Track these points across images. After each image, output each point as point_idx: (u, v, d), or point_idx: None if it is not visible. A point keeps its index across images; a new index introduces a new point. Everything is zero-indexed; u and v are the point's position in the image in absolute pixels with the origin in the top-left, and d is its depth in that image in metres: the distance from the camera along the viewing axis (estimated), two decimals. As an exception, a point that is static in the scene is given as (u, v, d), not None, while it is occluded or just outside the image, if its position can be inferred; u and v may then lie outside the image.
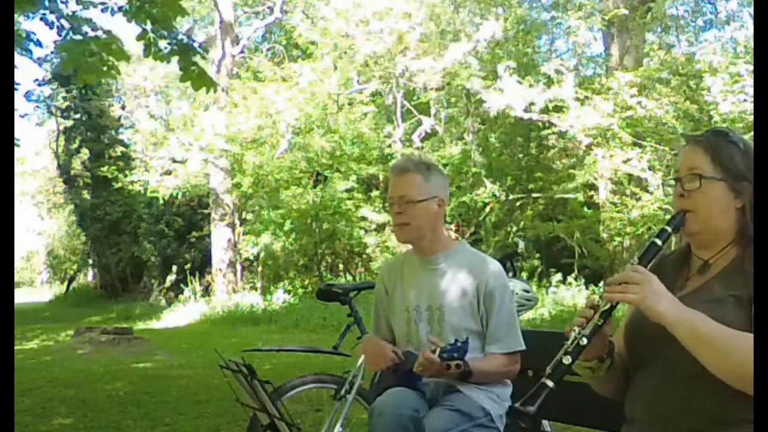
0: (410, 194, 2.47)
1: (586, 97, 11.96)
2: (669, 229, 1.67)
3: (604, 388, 1.79)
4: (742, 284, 1.56)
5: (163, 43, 5.65)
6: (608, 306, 1.57)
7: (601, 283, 12.77)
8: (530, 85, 12.12)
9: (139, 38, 5.59)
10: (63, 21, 5.62)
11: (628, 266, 1.60)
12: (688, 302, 1.55)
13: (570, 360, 1.55)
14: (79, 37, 5.49)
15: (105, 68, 5.45)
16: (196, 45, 6.00)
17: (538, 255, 13.69)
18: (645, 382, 1.65)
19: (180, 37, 5.78)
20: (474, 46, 12.57)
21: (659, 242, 1.65)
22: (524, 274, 12.09)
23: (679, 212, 1.68)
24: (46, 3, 5.63)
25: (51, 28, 5.73)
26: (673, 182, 1.72)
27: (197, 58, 5.82)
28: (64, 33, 5.66)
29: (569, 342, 1.57)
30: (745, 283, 1.55)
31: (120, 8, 5.63)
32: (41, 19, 5.75)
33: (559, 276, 12.83)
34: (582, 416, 2.43)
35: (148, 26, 5.51)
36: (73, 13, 5.67)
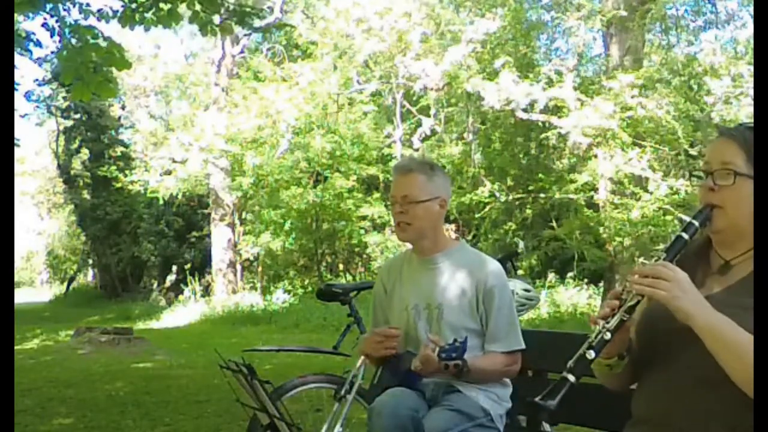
0: (413, 194, 2.48)
1: (585, 102, 11.95)
2: (696, 223, 1.60)
3: (614, 383, 1.75)
4: None
5: (216, 18, 5.78)
6: (635, 300, 1.53)
7: (601, 284, 12.77)
8: (531, 84, 12.12)
9: (192, 20, 5.67)
10: (66, 29, 5.64)
11: (654, 261, 1.56)
12: (714, 305, 1.51)
13: (593, 355, 1.52)
14: (79, 44, 5.51)
15: (104, 81, 5.47)
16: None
17: (536, 255, 13.68)
18: (659, 383, 1.61)
19: (232, 7, 5.91)
20: (473, 48, 12.56)
21: (686, 236, 1.60)
22: (521, 272, 12.07)
23: (706, 206, 1.61)
24: (47, 8, 5.64)
25: (52, 35, 5.74)
26: (700, 173, 1.64)
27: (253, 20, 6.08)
28: (65, 40, 5.66)
29: (593, 336, 1.53)
30: None
31: (114, 12, 5.65)
32: (42, 25, 5.75)
33: (558, 276, 12.84)
34: (582, 416, 2.43)
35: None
36: (75, 21, 5.69)
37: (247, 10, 5.98)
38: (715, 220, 1.60)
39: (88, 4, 5.84)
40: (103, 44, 5.50)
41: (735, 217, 1.59)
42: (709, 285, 1.64)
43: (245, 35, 16.24)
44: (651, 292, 1.50)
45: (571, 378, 1.51)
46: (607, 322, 1.54)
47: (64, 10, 5.81)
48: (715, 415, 1.51)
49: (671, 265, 1.53)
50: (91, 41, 5.51)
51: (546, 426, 2.89)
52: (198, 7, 5.57)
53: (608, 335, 1.52)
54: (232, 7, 5.88)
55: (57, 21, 5.73)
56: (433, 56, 12.95)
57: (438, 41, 13.55)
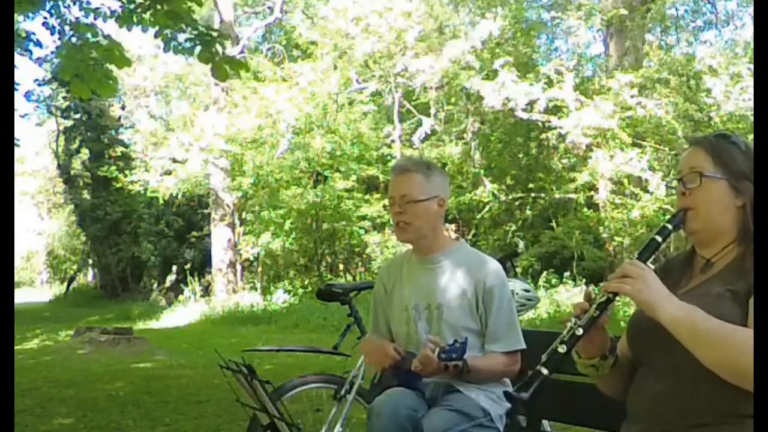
0: (411, 194, 2.47)
1: (584, 103, 11.95)
2: (669, 226, 1.68)
3: (610, 388, 1.80)
4: (740, 280, 1.57)
5: (182, 37, 5.68)
6: (604, 298, 1.58)
7: (601, 283, 12.77)
8: (530, 84, 12.12)
9: (157, 37, 5.62)
10: (65, 26, 5.63)
11: (627, 260, 1.62)
12: (687, 299, 1.56)
13: (565, 349, 1.56)
14: (79, 42, 5.49)
15: (103, 78, 5.44)
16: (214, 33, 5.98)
17: (536, 255, 13.67)
18: (647, 379, 1.66)
19: (200, 28, 5.79)
20: (472, 45, 12.55)
21: (659, 239, 1.67)
22: (519, 270, 12.04)
23: (680, 210, 1.69)
24: (47, 6, 5.63)
25: (53, 33, 5.73)
26: (675, 184, 1.74)
27: (219, 48, 5.86)
28: (65, 38, 5.65)
29: (565, 332, 1.59)
30: (744, 279, 1.56)
31: (113, 12, 5.64)
32: (43, 23, 5.74)
33: (557, 276, 12.83)
34: (582, 416, 2.43)
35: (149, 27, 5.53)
36: (77, 19, 5.68)
37: (214, 35, 5.86)
38: (688, 222, 1.68)
39: (88, 2, 5.83)
40: (104, 42, 5.49)
41: (706, 217, 1.67)
42: (690, 284, 1.70)
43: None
44: (616, 287, 1.56)
45: (545, 371, 1.54)
46: (579, 319, 1.59)
47: (65, 7, 5.81)
48: (705, 407, 1.54)
49: (638, 262, 1.59)
50: (91, 39, 5.49)
51: (546, 425, 2.90)
52: (166, 22, 5.52)
53: (580, 331, 1.58)
54: (199, 29, 5.78)
55: (57, 19, 5.72)
56: (433, 54, 12.95)
57: (437, 39, 13.56)
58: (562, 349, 1.56)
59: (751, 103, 10.73)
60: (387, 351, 2.48)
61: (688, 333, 1.49)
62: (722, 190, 1.65)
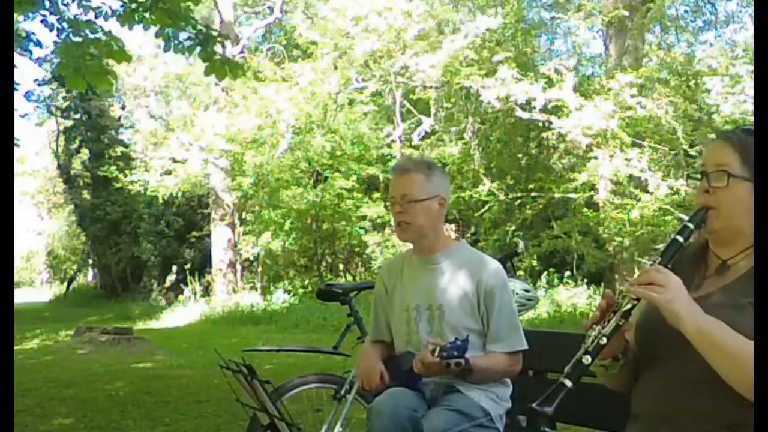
0: (412, 193, 2.47)
1: (583, 105, 11.95)
2: (691, 225, 1.63)
3: (613, 383, 1.78)
4: None
5: (182, 36, 5.68)
6: (630, 305, 1.55)
7: (602, 284, 12.77)
8: (531, 83, 12.12)
9: (158, 36, 5.61)
10: (64, 23, 5.62)
11: (650, 266, 1.58)
12: (706, 304, 1.53)
13: (590, 360, 1.53)
14: (78, 39, 5.49)
15: (100, 72, 5.43)
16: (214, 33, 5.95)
17: (536, 255, 13.67)
18: (654, 382, 1.64)
19: (199, 27, 5.77)
20: (472, 40, 12.55)
21: (681, 239, 1.62)
22: (521, 273, 12.03)
23: (702, 209, 1.64)
24: (46, 5, 5.62)
25: (51, 30, 5.72)
26: (696, 175, 1.67)
27: (218, 47, 5.85)
28: (63, 35, 5.64)
29: (589, 341, 1.55)
30: None
31: (114, 12, 5.63)
32: (41, 21, 5.74)
33: (557, 276, 12.82)
34: (583, 416, 2.43)
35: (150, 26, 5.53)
36: (75, 17, 5.67)
37: (213, 35, 5.83)
38: (710, 221, 1.63)
39: (88, 0, 5.82)
40: (102, 38, 5.49)
41: (730, 218, 1.61)
42: (706, 286, 1.66)
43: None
44: (644, 295, 1.52)
45: (568, 383, 1.52)
46: (603, 327, 1.56)
47: (63, 5, 5.81)
48: (708, 413, 1.53)
49: (664, 269, 1.55)
50: (90, 36, 5.49)
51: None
52: (166, 21, 5.53)
53: (604, 340, 1.54)
54: (200, 27, 5.77)
55: (57, 17, 5.71)
56: (432, 53, 12.95)
57: (436, 38, 13.56)
58: (586, 360, 1.53)
59: (750, 106, 10.73)
60: (374, 374, 2.49)
61: (710, 346, 1.47)
62: (747, 191, 1.59)
